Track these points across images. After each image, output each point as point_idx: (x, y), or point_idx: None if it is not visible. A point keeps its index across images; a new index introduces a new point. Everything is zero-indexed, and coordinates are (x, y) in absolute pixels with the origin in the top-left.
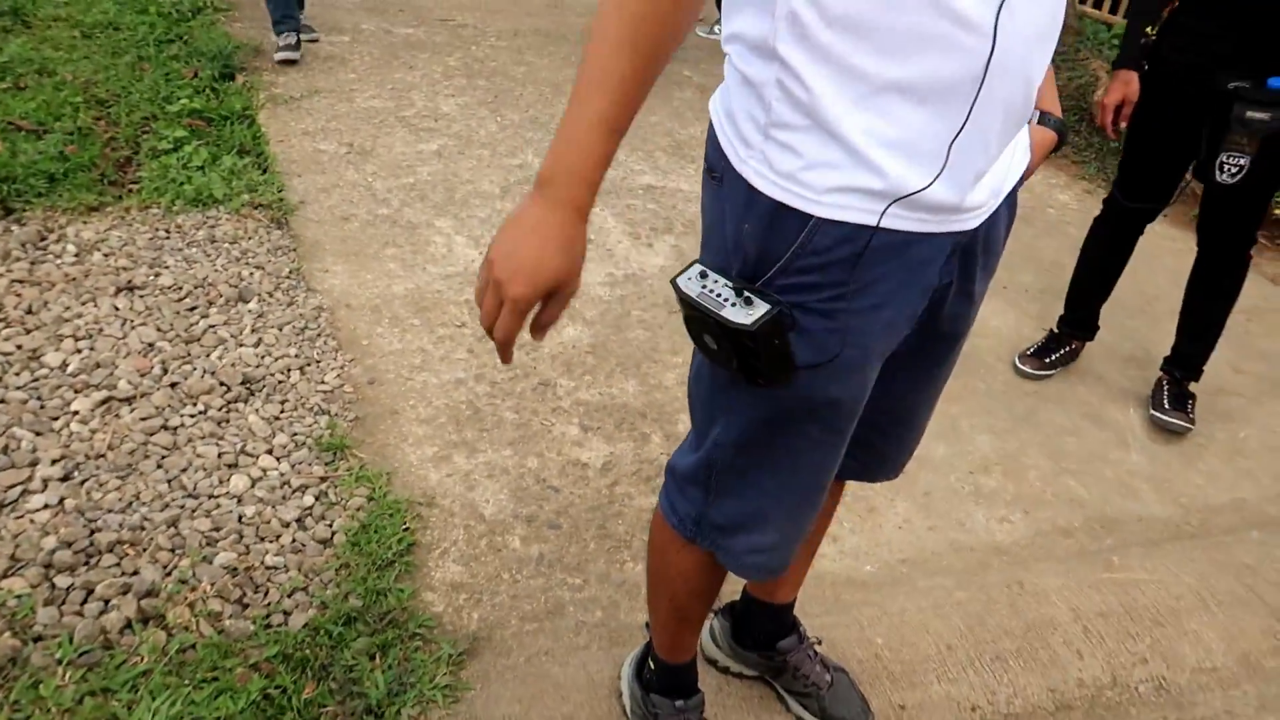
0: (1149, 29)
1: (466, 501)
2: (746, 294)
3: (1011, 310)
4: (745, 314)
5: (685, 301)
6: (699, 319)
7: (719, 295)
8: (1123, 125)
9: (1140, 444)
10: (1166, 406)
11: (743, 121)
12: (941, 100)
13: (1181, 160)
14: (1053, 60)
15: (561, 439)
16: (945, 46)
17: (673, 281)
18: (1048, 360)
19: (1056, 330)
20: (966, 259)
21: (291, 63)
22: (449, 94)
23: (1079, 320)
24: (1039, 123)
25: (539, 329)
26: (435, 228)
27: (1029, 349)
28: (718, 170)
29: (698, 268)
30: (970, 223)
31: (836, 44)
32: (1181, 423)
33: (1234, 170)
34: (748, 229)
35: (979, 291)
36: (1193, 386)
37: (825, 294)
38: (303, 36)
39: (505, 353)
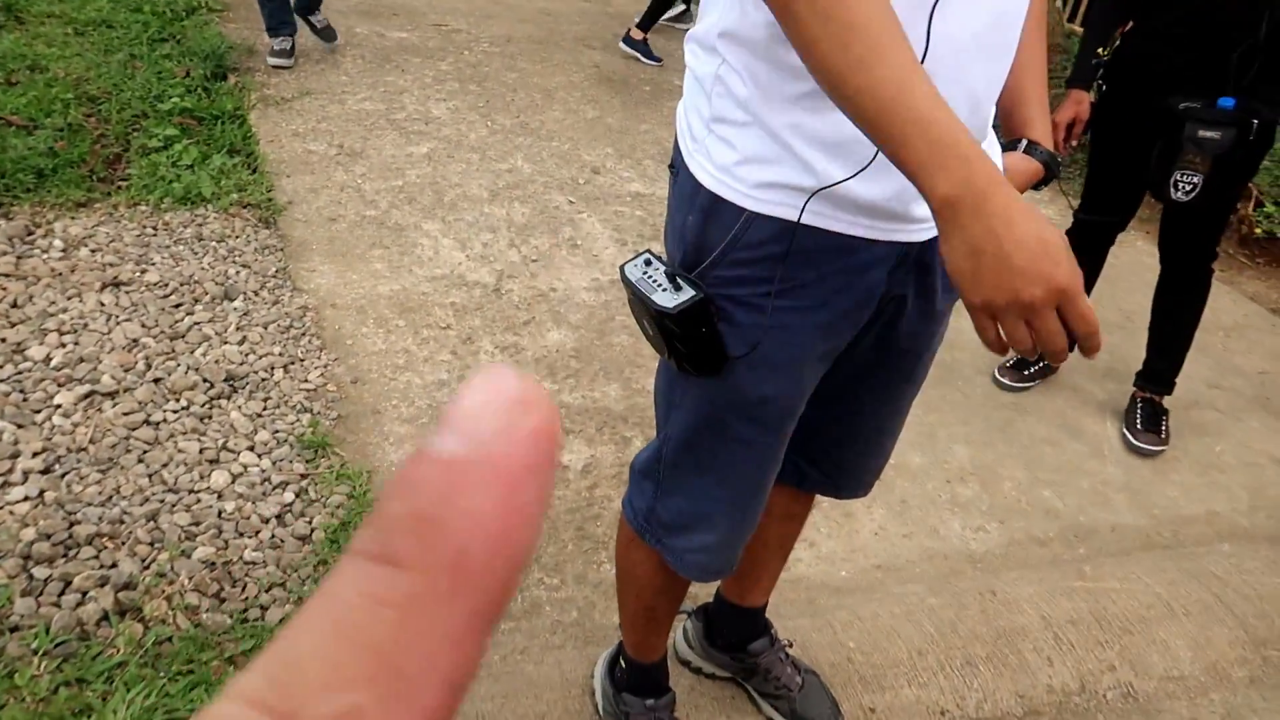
0: (1101, 50)
1: None
2: (678, 280)
3: None
4: (671, 298)
5: (627, 285)
6: (638, 303)
7: (654, 281)
8: (1073, 143)
9: (1116, 456)
10: (1139, 428)
11: (692, 116)
12: None
13: (1140, 176)
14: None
15: None
16: None
17: (621, 268)
18: (1026, 373)
19: None
20: (923, 275)
21: (284, 68)
22: (440, 98)
23: None
24: (1025, 151)
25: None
26: (423, 230)
27: (1008, 361)
28: (676, 165)
29: (645, 256)
30: (916, 235)
31: (771, 42)
32: (1152, 446)
33: (1188, 188)
34: (691, 220)
35: (941, 311)
36: (1167, 401)
37: (758, 288)
38: (324, 45)
39: (1097, 339)
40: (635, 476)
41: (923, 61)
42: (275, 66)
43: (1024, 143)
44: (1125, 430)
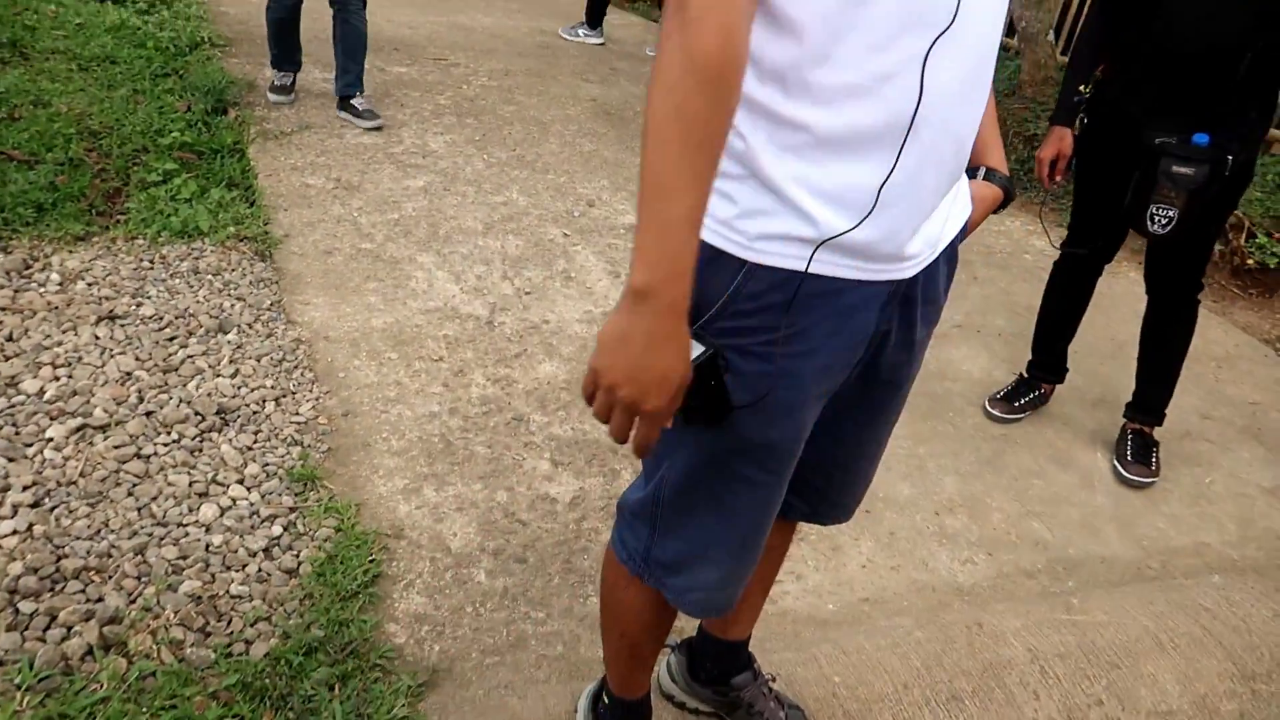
0: (1083, 87)
1: (434, 534)
2: None
3: (984, 353)
4: None
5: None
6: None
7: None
8: (1058, 178)
9: (1105, 486)
10: (1129, 459)
11: None
12: (869, 150)
13: (1122, 209)
14: (1034, 112)
15: (532, 473)
16: (873, 99)
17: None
18: (1017, 404)
19: (1025, 375)
20: (906, 308)
21: (283, 104)
22: (438, 131)
23: (1046, 364)
24: (984, 178)
25: (668, 419)
26: (417, 263)
27: (998, 393)
28: None
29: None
30: (905, 271)
31: (769, 97)
32: (1142, 478)
33: (1164, 221)
34: None
35: (920, 341)
36: (1157, 432)
37: (761, 337)
38: (366, 124)
39: (649, 451)
40: (626, 518)
41: (916, 111)
42: (275, 102)
43: (983, 170)
44: (1116, 461)
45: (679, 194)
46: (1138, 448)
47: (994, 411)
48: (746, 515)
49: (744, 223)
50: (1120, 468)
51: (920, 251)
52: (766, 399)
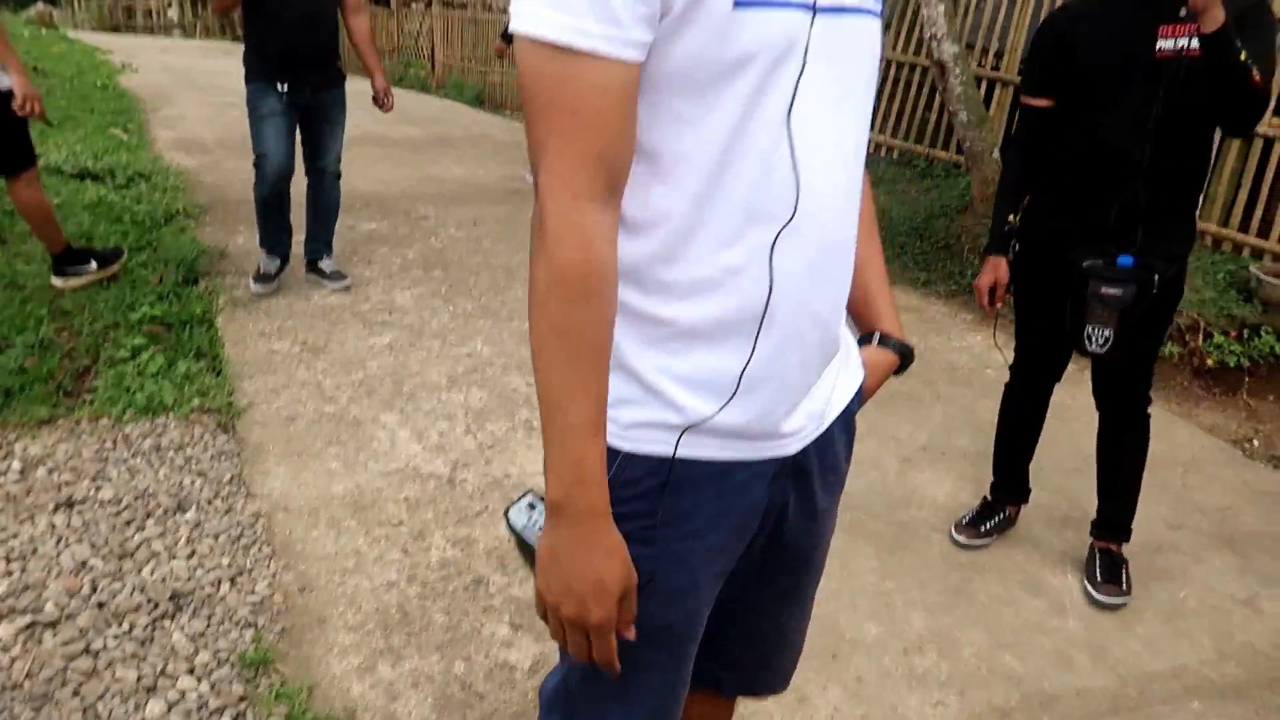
0: (1011, 217)
1: (388, 715)
2: None
3: (949, 476)
4: None
5: (512, 533)
6: (527, 550)
7: (539, 526)
8: (999, 305)
9: (1078, 610)
10: (1099, 580)
11: None
12: (727, 338)
13: (1062, 330)
14: (986, 227)
15: (490, 640)
16: (725, 292)
17: (505, 512)
18: (983, 529)
19: (989, 498)
20: (802, 480)
21: (264, 295)
22: (404, 286)
23: (1008, 486)
24: (879, 344)
25: (625, 627)
26: (380, 423)
27: (964, 518)
28: None
29: (529, 498)
30: (789, 447)
31: (627, 294)
32: (1113, 599)
33: (1101, 341)
34: None
35: (825, 510)
36: (1126, 549)
37: (641, 522)
38: (333, 286)
39: (614, 665)
40: (545, 706)
41: (769, 299)
42: (256, 293)
43: (877, 335)
44: (1086, 583)
45: (571, 404)
46: (1106, 567)
47: (960, 538)
48: (652, 699)
49: (616, 411)
50: (1091, 590)
51: (804, 426)
52: (652, 583)
